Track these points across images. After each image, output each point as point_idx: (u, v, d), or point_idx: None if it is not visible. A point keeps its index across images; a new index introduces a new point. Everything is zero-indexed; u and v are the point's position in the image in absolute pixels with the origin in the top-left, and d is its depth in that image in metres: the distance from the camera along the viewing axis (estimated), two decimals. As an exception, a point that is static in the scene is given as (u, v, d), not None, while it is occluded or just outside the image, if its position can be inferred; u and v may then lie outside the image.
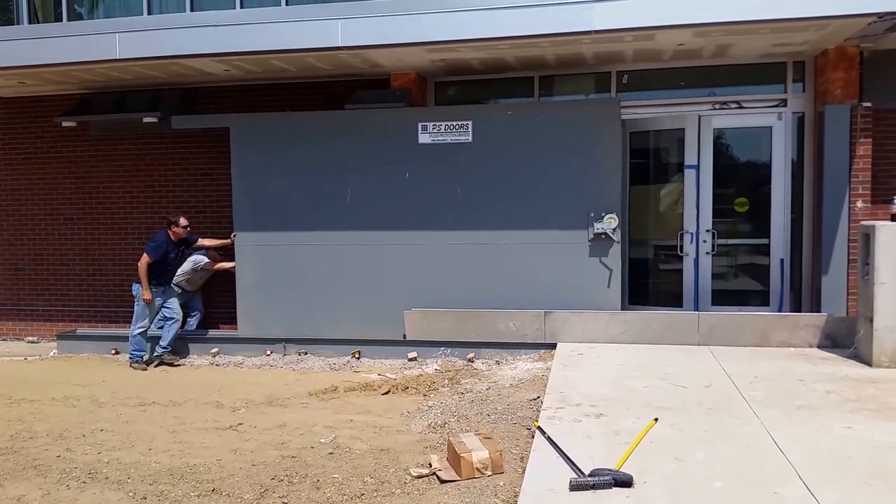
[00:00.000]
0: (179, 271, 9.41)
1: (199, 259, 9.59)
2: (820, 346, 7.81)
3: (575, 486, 4.21)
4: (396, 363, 8.57)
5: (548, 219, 8.63)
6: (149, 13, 9.91)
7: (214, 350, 9.27)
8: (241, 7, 9.60)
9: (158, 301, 8.99)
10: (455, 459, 4.89)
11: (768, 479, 4.29)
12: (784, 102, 8.94)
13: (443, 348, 8.67)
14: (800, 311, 8.82)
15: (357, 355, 8.85)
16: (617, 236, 8.49)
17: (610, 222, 8.39)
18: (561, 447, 4.85)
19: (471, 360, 8.40)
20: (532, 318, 8.47)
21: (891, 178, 8.57)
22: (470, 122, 8.75)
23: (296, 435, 6.03)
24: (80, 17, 10.51)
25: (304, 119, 9.22)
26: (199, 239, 9.38)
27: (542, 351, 8.31)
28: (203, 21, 8.48)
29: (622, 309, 8.64)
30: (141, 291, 8.80)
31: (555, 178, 8.61)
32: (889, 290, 6.93)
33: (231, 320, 9.72)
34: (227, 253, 9.61)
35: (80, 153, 10.67)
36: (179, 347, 9.34)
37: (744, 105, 9.07)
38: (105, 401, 7.35)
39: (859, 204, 8.32)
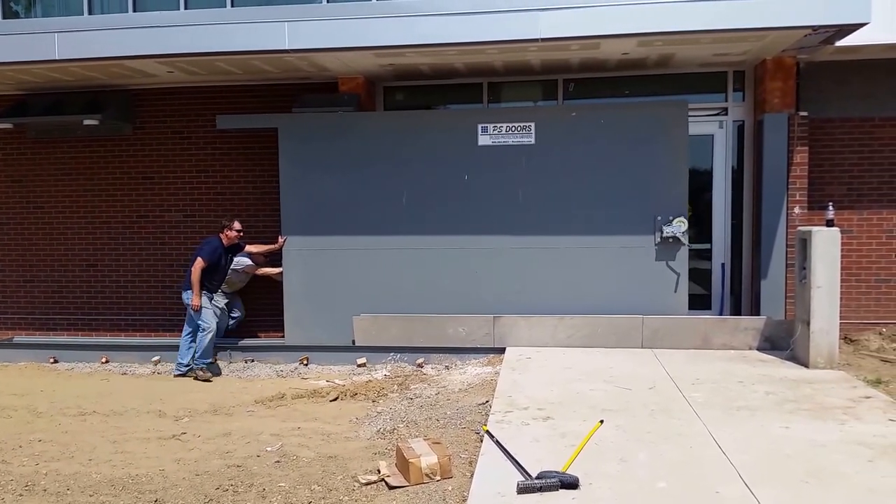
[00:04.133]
0: None
1: (240, 260, 9.29)
2: (759, 349, 8.02)
3: (522, 489, 4.25)
4: (345, 369, 8.51)
5: (614, 222, 8.53)
6: (89, 13, 9.69)
7: (156, 358, 9.04)
8: (186, 8, 9.43)
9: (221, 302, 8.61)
10: (404, 465, 4.88)
11: (710, 479, 4.39)
12: (725, 111, 9.18)
13: (392, 354, 8.62)
14: (740, 314, 9.06)
15: (305, 362, 8.77)
16: (686, 240, 8.43)
17: (679, 226, 8.32)
18: (509, 451, 4.89)
19: (420, 366, 8.39)
20: (481, 322, 8.50)
21: (826, 185, 8.86)
22: (532, 124, 8.60)
23: (241, 444, 5.93)
24: (16, 15, 10.20)
25: (358, 119, 8.94)
26: (247, 245, 9.09)
27: (492, 355, 8.34)
28: (145, 22, 8.32)
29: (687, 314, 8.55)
30: (192, 298, 8.42)
31: (620, 180, 8.50)
32: (825, 293, 7.15)
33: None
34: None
35: (17, 156, 10.35)
36: (119, 354, 9.16)
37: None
38: (43, 410, 7.13)
39: (796, 210, 8.58)
